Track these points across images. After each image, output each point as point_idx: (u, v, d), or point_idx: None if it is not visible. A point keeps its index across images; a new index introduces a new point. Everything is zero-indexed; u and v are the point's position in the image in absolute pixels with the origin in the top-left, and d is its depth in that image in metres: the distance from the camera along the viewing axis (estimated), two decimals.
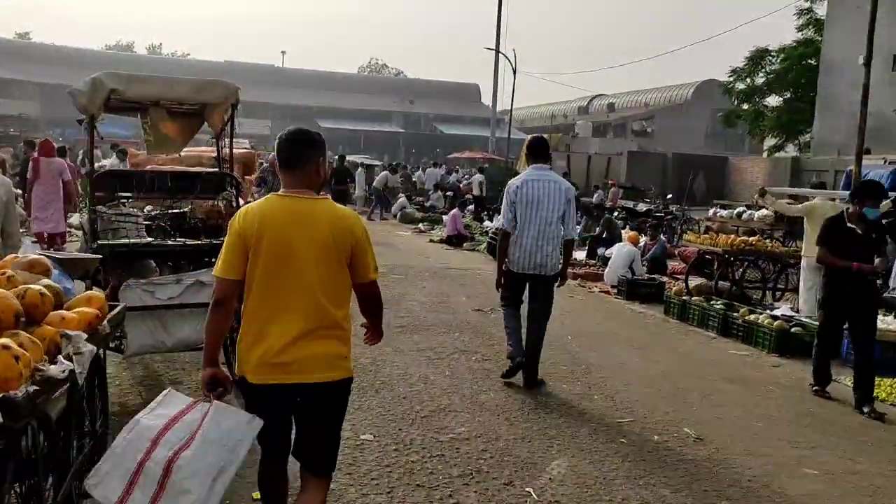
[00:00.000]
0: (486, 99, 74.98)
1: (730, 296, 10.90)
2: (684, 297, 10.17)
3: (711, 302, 9.86)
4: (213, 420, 2.89)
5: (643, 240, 17.55)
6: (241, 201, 9.48)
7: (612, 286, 12.46)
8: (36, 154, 11.29)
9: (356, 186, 24.66)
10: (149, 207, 6.62)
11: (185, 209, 6.42)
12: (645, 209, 23.17)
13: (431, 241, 18.21)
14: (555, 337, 8.04)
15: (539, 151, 6.58)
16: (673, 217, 21.03)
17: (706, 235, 11.90)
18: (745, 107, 36.86)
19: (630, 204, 24.82)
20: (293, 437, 3.19)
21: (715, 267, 12.54)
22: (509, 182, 6.64)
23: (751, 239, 11.65)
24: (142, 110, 6.59)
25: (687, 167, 35.55)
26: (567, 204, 6.34)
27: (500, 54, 43.78)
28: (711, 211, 17.43)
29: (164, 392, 3.14)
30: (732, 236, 11.48)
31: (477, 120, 70.09)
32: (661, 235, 14.83)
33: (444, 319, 8.95)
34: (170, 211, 6.44)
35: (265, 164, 12.63)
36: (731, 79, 36.33)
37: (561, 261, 6.51)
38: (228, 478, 2.84)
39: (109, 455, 2.89)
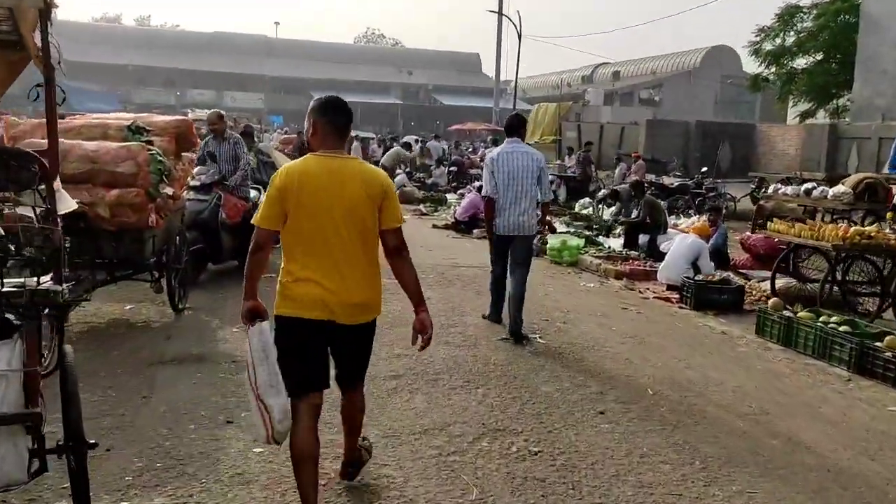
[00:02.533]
0: (487, 68, 72.78)
1: (829, 304, 8.18)
2: (787, 313, 7.39)
3: (823, 319, 7.10)
4: (249, 344, 3.32)
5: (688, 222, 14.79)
6: (170, 190, 6.74)
7: (669, 287, 9.68)
8: None
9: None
10: None
11: None
12: (677, 184, 20.32)
13: (435, 226, 15.37)
14: (637, 390, 5.29)
15: (513, 128, 7.32)
16: (717, 194, 18.11)
17: (802, 225, 9.05)
18: (772, 70, 33.69)
19: (658, 178, 21.97)
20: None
21: (798, 262, 9.80)
22: (487, 155, 7.67)
23: (868, 229, 8.81)
24: None
25: (711, 136, 32.60)
26: (540, 171, 7.08)
27: (504, 17, 40.66)
28: (772, 188, 14.56)
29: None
30: (844, 226, 8.64)
31: (478, 90, 67.60)
32: (722, 220, 11.96)
33: (458, 360, 6.15)
34: None
35: (209, 138, 9.68)
36: (758, 39, 33.14)
37: (537, 220, 7.33)
38: (277, 375, 3.27)
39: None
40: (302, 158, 3.52)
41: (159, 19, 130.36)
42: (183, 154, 7.65)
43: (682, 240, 9.85)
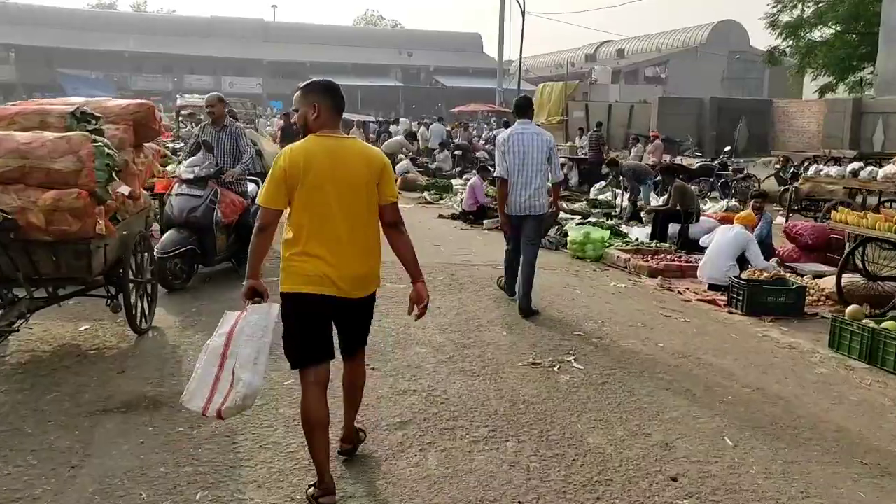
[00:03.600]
0: (489, 49, 71.37)
1: None
2: (870, 323, 6.19)
3: None
4: (246, 318, 3.44)
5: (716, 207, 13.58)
6: (126, 189, 5.55)
7: (711, 286, 8.48)
8: None
9: None
10: None
11: None
12: (698, 165, 19.06)
13: (441, 216, 14.16)
14: (711, 439, 4.12)
15: (523, 109, 7.33)
16: (745, 175, 16.79)
17: (876, 216, 7.81)
18: (790, 42, 32.23)
19: (678, 159, 20.70)
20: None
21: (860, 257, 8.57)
22: (498, 136, 7.78)
23: None
24: None
25: (727, 114, 31.25)
26: (550, 151, 7.13)
27: None
28: (812, 169, 13.31)
29: (223, 316, 3.54)
30: None
31: (480, 71, 66.40)
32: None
33: (479, 396, 4.93)
34: None
35: (205, 125, 8.55)
36: (775, 10, 31.68)
37: (550, 200, 7.42)
38: (265, 356, 3.42)
39: (194, 376, 3.45)
40: (304, 139, 3.58)
41: (155, 5, 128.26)
42: (145, 145, 6.44)
43: (725, 232, 8.61)
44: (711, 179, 16.98)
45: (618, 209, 14.58)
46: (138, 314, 5.91)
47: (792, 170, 17.61)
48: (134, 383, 4.91)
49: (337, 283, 3.46)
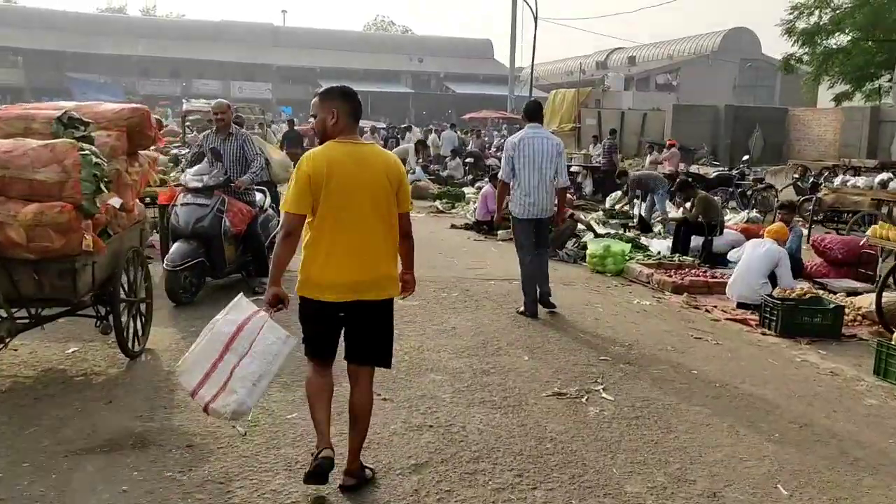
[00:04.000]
0: (500, 55, 70.87)
1: None
2: None
3: None
4: (263, 335, 3.46)
5: (736, 219, 13.09)
6: (117, 201, 5.15)
7: (740, 304, 8.01)
8: None
9: None
10: None
11: None
12: (716, 174, 18.53)
13: (454, 226, 13.73)
14: (763, 487, 3.64)
15: (534, 114, 7.39)
16: (766, 185, 16.25)
17: None
18: (806, 49, 31.64)
19: (696, 168, 20.20)
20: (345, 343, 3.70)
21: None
22: (507, 140, 7.75)
23: None
24: None
25: (742, 122, 30.74)
26: (558, 157, 7.18)
27: None
28: (838, 179, 12.79)
29: (236, 298, 3.65)
30: None
31: (491, 78, 66.02)
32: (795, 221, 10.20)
33: (501, 433, 4.45)
34: None
35: (209, 133, 8.21)
36: (791, 17, 31.11)
37: (556, 203, 7.36)
38: (266, 382, 3.49)
39: (194, 349, 3.52)
40: (325, 145, 3.59)
41: (165, 9, 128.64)
42: (141, 153, 6.02)
43: (755, 247, 8.12)
44: (731, 189, 16.44)
45: (635, 220, 14.10)
46: (130, 336, 5.47)
47: (812, 179, 17.11)
48: (121, 416, 4.46)
49: (355, 288, 3.51)
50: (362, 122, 26.14)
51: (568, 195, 13.25)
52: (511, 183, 7.23)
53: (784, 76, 57.44)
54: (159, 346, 5.80)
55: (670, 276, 9.15)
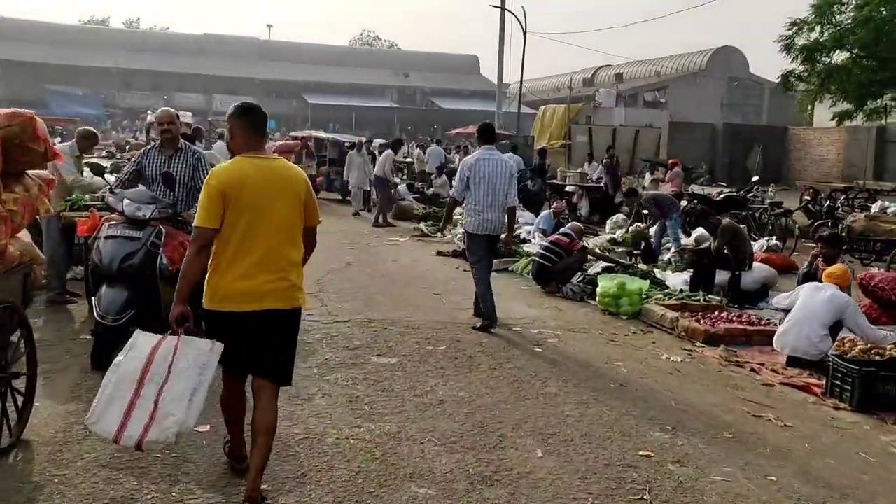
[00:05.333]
0: (486, 71, 69.80)
1: None
2: None
3: None
4: (182, 352, 3.39)
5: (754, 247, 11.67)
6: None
7: (790, 359, 6.56)
8: None
9: (351, 171, 18.08)
10: None
11: None
12: (724, 196, 16.93)
13: (440, 253, 12.16)
14: None
15: (488, 136, 7.74)
16: (783, 210, 14.80)
17: None
18: (806, 66, 30.48)
19: (702, 189, 18.74)
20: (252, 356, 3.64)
21: None
22: (464, 160, 8.04)
23: None
24: None
25: (739, 140, 29.54)
26: (511, 178, 7.50)
27: (509, 12, 37.48)
28: (876, 206, 11.44)
29: (133, 336, 3.55)
30: None
31: (477, 93, 65.07)
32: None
33: None
34: None
35: (152, 148, 6.58)
36: (790, 33, 29.97)
37: (505, 223, 7.65)
38: (202, 395, 3.38)
39: (101, 397, 3.34)
40: (231, 160, 3.70)
41: (149, 21, 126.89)
42: (28, 173, 4.50)
43: (813, 293, 6.65)
44: (744, 213, 14.96)
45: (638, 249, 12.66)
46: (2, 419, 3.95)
47: (827, 203, 15.73)
48: None
49: (259, 297, 3.51)
50: (348, 137, 24.25)
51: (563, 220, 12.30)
52: (465, 200, 7.52)
53: (772, 95, 57.27)
54: (40, 436, 4.25)
55: (699, 320, 7.70)
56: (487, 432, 4.63)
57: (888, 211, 10.78)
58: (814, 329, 6.41)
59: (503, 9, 37.80)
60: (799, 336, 6.48)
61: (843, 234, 12.32)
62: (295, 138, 23.19)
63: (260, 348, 3.57)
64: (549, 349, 6.67)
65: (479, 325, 7.27)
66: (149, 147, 6.95)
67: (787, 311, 6.97)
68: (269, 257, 3.51)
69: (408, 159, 27.09)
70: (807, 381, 6.10)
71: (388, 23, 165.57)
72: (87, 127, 9.19)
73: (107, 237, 5.75)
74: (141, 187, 6.26)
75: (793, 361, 6.57)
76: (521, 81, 36.57)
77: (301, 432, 4.44)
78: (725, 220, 9.76)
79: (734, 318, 7.85)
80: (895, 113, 28.46)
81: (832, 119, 32.23)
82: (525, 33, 35.79)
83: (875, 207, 11.47)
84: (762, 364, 6.59)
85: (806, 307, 6.54)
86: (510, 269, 10.91)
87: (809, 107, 38.00)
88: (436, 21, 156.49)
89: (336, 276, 9.54)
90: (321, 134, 22.78)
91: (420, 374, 5.75)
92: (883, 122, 29.32)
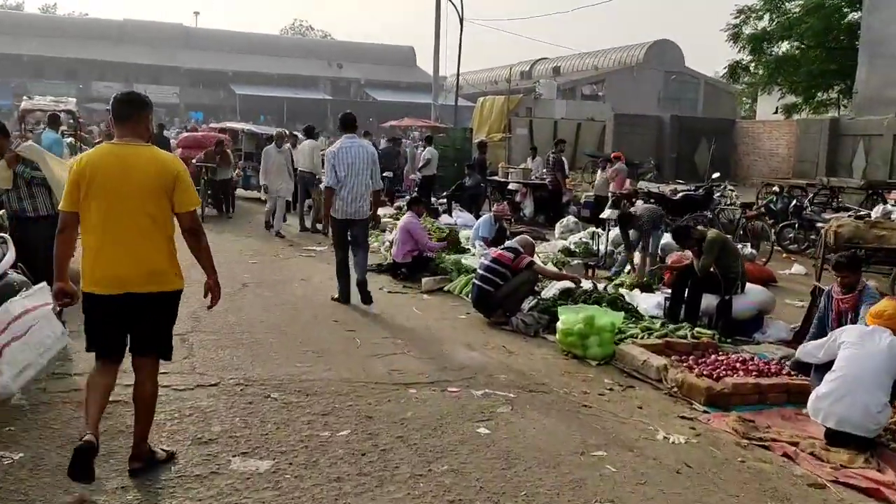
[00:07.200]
0: (423, 63, 67.52)
1: None
2: None
3: None
4: (39, 325, 3.75)
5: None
6: None
7: (835, 434, 4.69)
8: None
9: (269, 173, 14.98)
10: None
11: None
12: (682, 195, 14.94)
13: None
14: None
15: (348, 125, 8.04)
16: (758, 212, 13.02)
17: None
18: (751, 58, 29.32)
19: (655, 187, 16.89)
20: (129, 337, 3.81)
21: None
22: (328, 150, 8.72)
23: None
24: None
25: (687, 134, 28.12)
26: (373, 164, 7.86)
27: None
28: (878, 209, 9.76)
29: (41, 284, 4.00)
30: None
31: (413, 86, 63.09)
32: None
33: None
34: None
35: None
36: (738, 21, 28.75)
37: (370, 207, 7.93)
38: (32, 373, 3.72)
39: None
40: (97, 146, 3.88)
41: (67, 8, 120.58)
42: None
43: (862, 341, 4.77)
44: (709, 216, 13.18)
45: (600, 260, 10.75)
46: None
47: (794, 202, 14.03)
48: None
49: (126, 282, 3.61)
50: (265, 129, 21.67)
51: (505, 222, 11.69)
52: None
53: (707, 89, 56.78)
54: None
55: (692, 368, 5.81)
56: None
57: (892, 217, 9.07)
58: (873, 394, 4.55)
59: None
60: (853, 405, 4.57)
61: (829, 239, 10.66)
62: (213, 130, 20.77)
63: (130, 328, 3.72)
64: (500, 430, 4.63)
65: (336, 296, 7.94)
66: None
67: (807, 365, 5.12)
68: (129, 242, 3.61)
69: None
70: (878, 481, 4.20)
71: (322, 13, 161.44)
72: None
73: None
74: None
75: (838, 436, 4.70)
76: (459, 69, 34.65)
77: None
78: (712, 232, 7.81)
79: (737, 364, 5.95)
80: (845, 105, 27.45)
81: (775, 112, 31.21)
82: (461, 20, 33.89)
83: (877, 211, 9.79)
84: (796, 444, 4.69)
85: (856, 363, 4.66)
86: (445, 288, 8.90)
87: (750, 100, 37.03)
88: (371, 11, 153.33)
89: (222, 306, 7.26)
90: (235, 125, 20.28)
91: (302, 492, 3.67)
92: (833, 114, 28.35)
